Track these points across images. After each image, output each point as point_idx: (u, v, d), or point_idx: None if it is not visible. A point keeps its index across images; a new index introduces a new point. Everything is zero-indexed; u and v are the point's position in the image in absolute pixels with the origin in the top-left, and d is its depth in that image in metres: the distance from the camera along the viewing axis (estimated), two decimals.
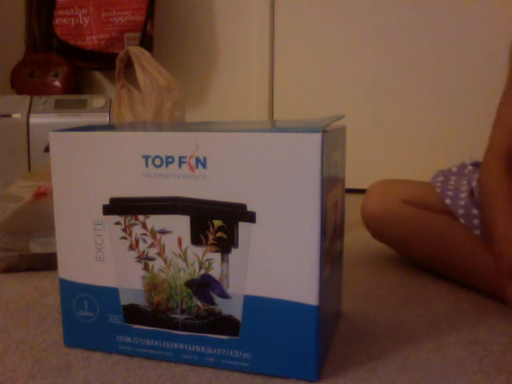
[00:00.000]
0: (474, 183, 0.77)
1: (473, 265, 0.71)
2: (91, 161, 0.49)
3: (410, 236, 0.79)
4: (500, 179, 0.66)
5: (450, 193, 0.78)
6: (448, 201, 0.77)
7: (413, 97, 1.54)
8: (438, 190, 0.79)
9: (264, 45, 1.62)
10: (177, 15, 1.69)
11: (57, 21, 1.53)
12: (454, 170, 0.85)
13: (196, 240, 0.48)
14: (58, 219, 0.52)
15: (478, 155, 0.86)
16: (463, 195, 0.76)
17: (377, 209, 0.82)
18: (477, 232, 0.73)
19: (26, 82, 1.58)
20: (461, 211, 0.75)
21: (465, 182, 0.80)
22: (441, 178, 0.83)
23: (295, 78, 1.62)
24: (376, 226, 0.84)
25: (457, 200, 0.76)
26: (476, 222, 0.74)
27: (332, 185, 0.50)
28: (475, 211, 0.74)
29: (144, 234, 0.49)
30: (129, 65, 1.03)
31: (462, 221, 0.75)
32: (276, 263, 0.46)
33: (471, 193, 0.77)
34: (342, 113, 1.55)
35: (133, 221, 0.49)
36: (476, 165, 0.83)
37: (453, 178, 0.83)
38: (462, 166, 0.84)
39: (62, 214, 0.52)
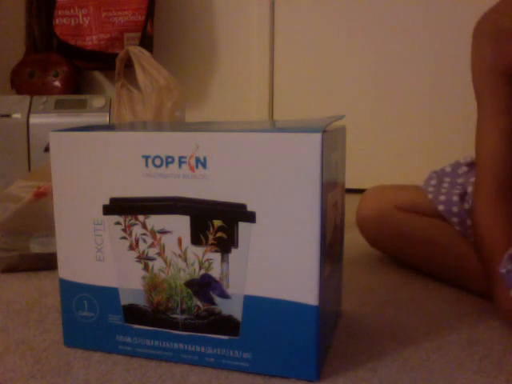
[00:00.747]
0: (469, 188, 0.76)
1: (466, 268, 0.71)
2: (91, 161, 0.49)
3: (403, 241, 0.79)
4: (493, 226, 0.63)
5: (442, 197, 0.78)
6: (441, 207, 0.77)
7: (413, 97, 1.54)
8: (430, 196, 0.79)
9: (264, 45, 1.62)
10: (177, 15, 1.68)
11: (57, 21, 1.53)
12: (448, 169, 0.84)
13: (196, 240, 0.48)
14: (58, 219, 0.52)
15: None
16: (456, 199, 0.76)
17: (370, 215, 0.82)
18: (472, 240, 0.73)
19: (25, 82, 1.58)
20: (455, 219, 0.75)
21: (460, 181, 0.80)
22: (433, 182, 0.82)
23: (295, 77, 1.62)
24: (370, 233, 0.84)
25: (450, 206, 0.76)
26: (470, 231, 0.73)
27: (332, 185, 0.50)
28: (469, 222, 0.74)
29: (144, 234, 0.49)
30: (129, 65, 1.03)
31: (457, 228, 0.75)
32: (276, 263, 0.46)
33: (464, 196, 0.76)
34: (342, 113, 1.55)
35: (133, 221, 0.49)
36: (471, 165, 0.83)
37: (446, 179, 0.83)
38: (457, 165, 0.84)
39: (61, 214, 0.52)
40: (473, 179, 0.78)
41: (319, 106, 1.61)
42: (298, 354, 0.47)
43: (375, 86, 1.57)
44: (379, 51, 1.55)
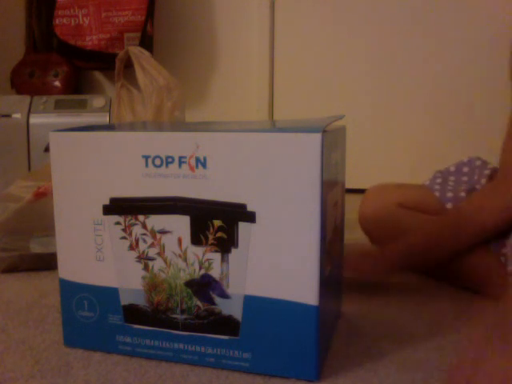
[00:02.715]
0: (477, 186, 0.76)
1: (473, 268, 0.70)
2: (91, 161, 0.49)
3: None
4: None
5: (449, 194, 0.78)
6: (449, 205, 0.76)
7: (413, 97, 1.54)
8: (437, 194, 0.79)
9: (264, 45, 1.62)
10: (177, 15, 1.68)
11: (57, 21, 1.53)
12: (452, 169, 0.84)
13: (196, 240, 0.48)
14: (58, 219, 0.52)
15: (478, 155, 0.85)
16: (463, 195, 0.76)
17: (373, 214, 0.82)
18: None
19: (25, 81, 1.57)
20: None
21: (465, 179, 0.80)
22: (439, 180, 0.82)
23: (295, 78, 1.62)
24: (373, 231, 0.84)
25: (458, 203, 0.76)
26: None
27: (332, 185, 0.50)
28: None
29: (144, 234, 0.49)
30: (129, 65, 1.03)
31: None
32: (276, 263, 0.46)
33: (471, 192, 0.76)
34: (342, 113, 1.55)
35: (133, 221, 0.49)
36: (473, 164, 0.83)
37: (451, 178, 0.82)
38: (461, 165, 0.84)
39: (61, 214, 0.52)
40: (476, 177, 0.78)
41: (319, 105, 1.61)
42: (298, 354, 0.47)
43: (375, 85, 1.56)
44: (379, 51, 1.55)
